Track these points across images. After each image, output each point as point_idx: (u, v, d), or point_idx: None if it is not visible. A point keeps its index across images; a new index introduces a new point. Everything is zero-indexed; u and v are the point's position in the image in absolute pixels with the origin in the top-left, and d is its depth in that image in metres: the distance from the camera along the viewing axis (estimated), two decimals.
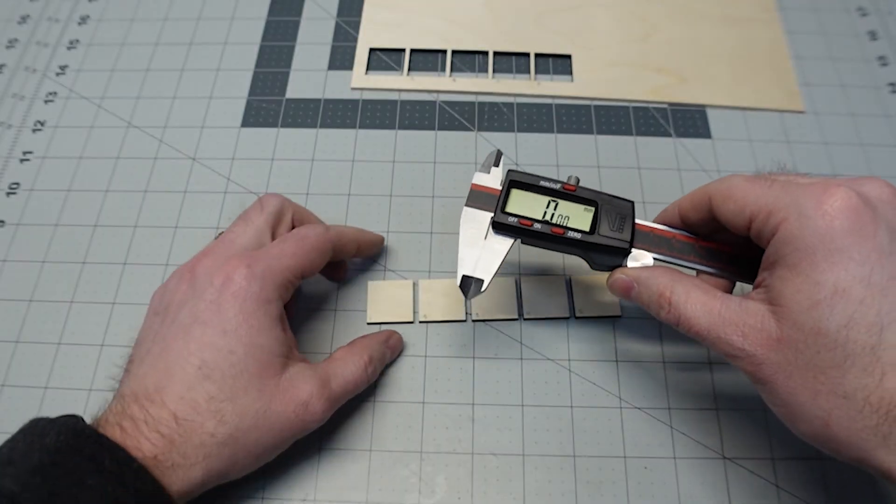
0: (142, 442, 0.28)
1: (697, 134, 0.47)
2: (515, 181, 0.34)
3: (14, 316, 0.40)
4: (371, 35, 0.51)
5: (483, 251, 0.33)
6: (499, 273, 0.33)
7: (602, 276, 0.35)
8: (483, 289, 0.33)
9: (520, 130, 0.47)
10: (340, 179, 0.45)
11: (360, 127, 0.47)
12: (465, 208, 0.34)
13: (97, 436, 0.27)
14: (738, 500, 0.35)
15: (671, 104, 0.48)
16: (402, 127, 0.47)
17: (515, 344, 0.39)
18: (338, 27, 0.52)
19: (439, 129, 0.47)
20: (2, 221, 0.44)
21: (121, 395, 0.30)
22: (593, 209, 0.33)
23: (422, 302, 0.40)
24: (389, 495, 0.35)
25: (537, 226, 0.33)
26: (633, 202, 0.34)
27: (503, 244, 0.33)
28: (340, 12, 0.53)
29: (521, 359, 0.38)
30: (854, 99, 0.48)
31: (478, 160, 0.45)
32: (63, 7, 0.53)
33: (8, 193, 0.45)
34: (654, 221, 0.35)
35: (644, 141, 0.46)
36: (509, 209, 0.34)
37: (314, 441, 0.36)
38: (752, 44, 0.50)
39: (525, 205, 0.34)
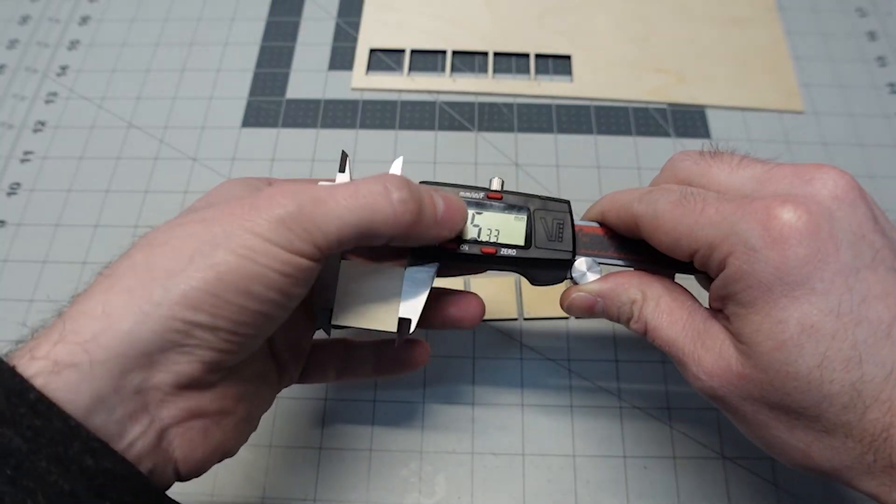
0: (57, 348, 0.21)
1: (697, 134, 0.47)
2: None
3: (15, 316, 0.40)
4: (371, 35, 0.51)
5: (405, 284, 0.28)
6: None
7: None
8: (411, 330, 0.28)
9: (520, 131, 0.47)
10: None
11: (361, 127, 0.47)
12: None
13: None
14: (738, 500, 0.35)
15: (670, 104, 0.48)
16: (403, 127, 0.47)
17: (515, 344, 0.39)
18: (338, 27, 0.52)
19: (439, 129, 0.47)
20: (2, 221, 0.44)
21: None
22: (525, 217, 0.29)
23: None
24: (389, 495, 0.35)
25: (465, 247, 0.28)
26: (568, 201, 0.29)
27: (427, 273, 0.28)
28: (340, 12, 0.53)
29: (521, 359, 0.38)
30: (853, 99, 0.48)
31: (478, 160, 0.45)
32: (64, 7, 0.53)
33: (9, 193, 0.45)
34: None
35: (643, 141, 0.46)
36: None
37: (314, 441, 0.36)
38: (752, 44, 0.50)
39: None
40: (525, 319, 0.40)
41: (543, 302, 0.40)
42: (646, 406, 0.37)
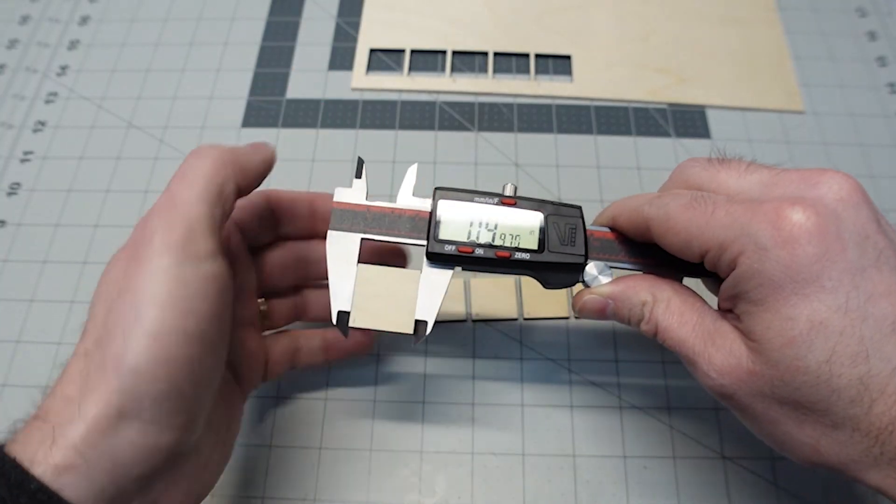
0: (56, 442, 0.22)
1: (697, 134, 0.47)
2: (446, 200, 0.30)
3: (14, 316, 0.40)
4: (371, 35, 0.51)
5: (422, 286, 0.29)
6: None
7: None
8: (428, 331, 0.29)
9: (520, 131, 0.47)
10: (341, 180, 0.44)
11: (361, 127, 0.47)
12: (330, 232, 0.30)
13: None
14: (738, 500, 0.35)
15: (671, 104, 0.48)
16: (403, 127, 0.47)
17: (515, 344, 0.39)
18: (338, 27, 0.52)
19: (439, 129, 0.47)
20: (2, 221, 0.44)
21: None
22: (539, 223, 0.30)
23: None
24: (389, 495, 0.35)
25: (479, 251, 0.29)
26: (580, 207, 0.30)
27: (443, 276, 0.29)
28: (340, 12, 0.53)
29: (521, 359, 0.39)
30: (853, 99, 0.48)
31: (478, 160, 0.45)
32: (64, 8, 0.53)
33: (9, 193, 0.45)
34: None
35: (644, 141, 0.46)
36: (443, 235, 0.29)
37: (314, 441, 0.36)
38: (752, 44, 0.50)
39: (461, 227, 0.29)
40: (525, 319, 0.40)
41: (543, 302, 0.40)
42: (646, 406, 0.37)
